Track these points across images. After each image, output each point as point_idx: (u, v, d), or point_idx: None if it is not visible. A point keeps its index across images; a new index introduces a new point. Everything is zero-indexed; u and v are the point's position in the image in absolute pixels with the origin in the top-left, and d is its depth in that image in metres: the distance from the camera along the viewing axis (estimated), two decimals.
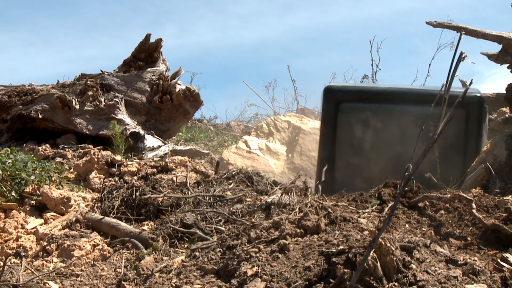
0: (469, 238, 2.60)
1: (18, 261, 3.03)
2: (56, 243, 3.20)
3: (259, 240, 2.52)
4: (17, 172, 3.83)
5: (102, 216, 3.54)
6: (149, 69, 6.13)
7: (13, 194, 3.74)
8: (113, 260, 3.04)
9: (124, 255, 3.05)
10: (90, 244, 3.17)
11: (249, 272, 2.23)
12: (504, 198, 2.91)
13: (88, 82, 5.67)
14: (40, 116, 5.39)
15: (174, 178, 4.08)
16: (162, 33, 33.02)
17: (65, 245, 3.15)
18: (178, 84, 6.08)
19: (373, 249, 1.92)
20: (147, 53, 6.17)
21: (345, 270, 1.96)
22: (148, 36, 6.09)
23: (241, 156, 7.96)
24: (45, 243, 3.24)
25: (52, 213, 3.66)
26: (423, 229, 2.76)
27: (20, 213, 3.62)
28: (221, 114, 31.88)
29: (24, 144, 5.35)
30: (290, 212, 2.97)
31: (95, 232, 3.40)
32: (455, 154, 4.45)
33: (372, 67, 12.21)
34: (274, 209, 3.12)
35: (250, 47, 26.10)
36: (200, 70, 26.37)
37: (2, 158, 3.95)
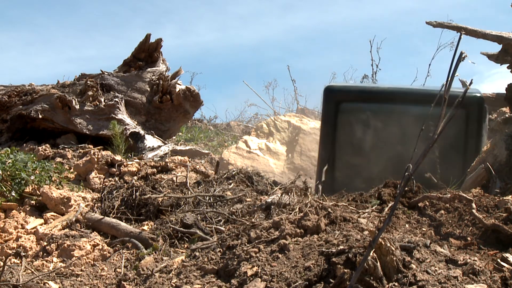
0: (469, 238, 2.60)
1: (18, 261, 3.03)
2: (56, 243, 3.20)
3: (259, 240, 2.52)
4: (17, 172, 3.83)
5: (102, 216, 3.54)
6: (149, 69, 6.13)
7: (13, 194, 3.74)
8: (113, 260, 3.04)
9: (124, 255, 3.05)
10: (90, 244, 3.17)
11: (249, 272, 2.23)
12: (504, 198, 2.91)
13: (88, 82, 5.67)
14: (40, 116, 5.39)
15: (174, 178, 4.08)
16: (162, 33, 33.03)
17: (65, 245, 3.15)
18: (178, 84, 6.09)
19: (373, 249, 1.92)
20: (147, 53, 6.17)
21: (345, 270, 1.96)
22: (148, 36, 6.09)
23: (241, 156, 7.96)
24: (45, 243, 3.24)
25: (52, 213, 3.66)
26: (423, 229, 2.76)
27: (20, 213, 3.62)
28: (221, 114, 31.90)
29: (24, 144, 5.35)
30: (290, 212, 2.97)
31: (95, 232, 3.40)
32: (455, 154, 4.45)
33: (372, 67, 12.22)
34: (274, 209, 3.12)
35: (250, 47, 26.12)
36: (200, 70, 26.39)
37: (2, 158, 3.95)
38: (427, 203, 3.03)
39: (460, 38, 1.80)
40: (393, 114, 4.64)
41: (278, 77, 22.48)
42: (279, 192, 3.43)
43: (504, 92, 4.54)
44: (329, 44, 25.71)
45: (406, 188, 3.08)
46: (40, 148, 5.05)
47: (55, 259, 3.08)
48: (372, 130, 4.65)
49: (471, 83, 1.82)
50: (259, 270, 2.23)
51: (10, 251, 3.14)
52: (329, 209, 2.76)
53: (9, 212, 3.64)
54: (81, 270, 2.90)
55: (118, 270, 2.90)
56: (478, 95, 4.54)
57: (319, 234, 2.52)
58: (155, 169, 4.33)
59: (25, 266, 2.93)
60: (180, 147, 6.00)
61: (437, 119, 1.76)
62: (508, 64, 5.46)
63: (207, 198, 3.56)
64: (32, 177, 3.87)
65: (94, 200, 3.91)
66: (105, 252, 3.13)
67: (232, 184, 3.83)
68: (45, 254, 3.18)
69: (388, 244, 1.97)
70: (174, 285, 2.40)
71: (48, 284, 2.68)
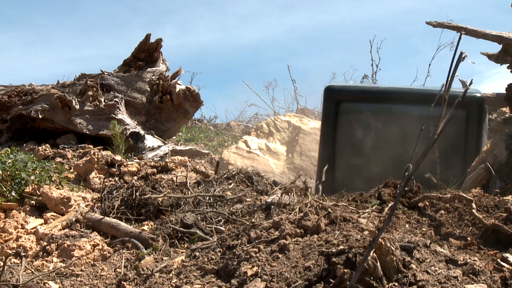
0: (469, 238, 2.60)
1: (18, 261, 3.03)
2: (56, 243, 3.20)
3: (259, 240, 2.52)
4: (17, 172, 3.83)
5: (102, 216, 3.54)
6: (149, 69, 6.13)
7: (13, 194, 3.74)
8: (113, 260, 3.04)
9: (124, 255, 3.05)
10: (90, 244, 3.17)
11: (249, 272, 2.23)
12: (504, 198, 2.91)
13: (88, 82, 5.67)
14: (40, 116, 5.39)
15: (174, 178, 4.08)
16: (162, 33, 33.03)
17: (65, 245, 3.15)
18: (178, 84, 6.09)
19: (373, 249, 1.92)
20: (147, 53, 6.17)
21: (345, 270, 1.96)
22: (148, 36, 6.09)
23: (241, 156, 7.96)
24: (45, 243, 3.24)
25: (52, 213, 3.66)
26: (423, 229, 2.76)
27: (20, 213, 3.62)
28: (221, 114, 31.89)
29: (24, 144, 5.35)
30: (290, 212, 2.97)
31: (95, 232, 3.40)
32: (455, 154, 4.45)
33: (372, 67, 12.22)
34: (274, 209, 3.12)
35: (250, 47, 26.12)
36: (200, 70, 26.36)
37: (2, 158, 3.95)
38: (427, 203, 3.03)
39: (460, 38, 1.80)
40: (393, 114, 4.64)
41: (278, 77, 22.51)
42: (279, 192, 3.43)
43: (504, 92, 4.54)
44: (329, 44, 25.73)
45: (406, 188, 3.08)
46: (40, 148, 5.05)
47: (55, 259, 3.08)
48: (372, 130, 4.65)
49: (471, 83, 1.82)
50: (259, 270, 2.23)
51: (10, 251, 3.14)
52: (329, 209, 2.76)
53: (9, 212, 3.64)
54: (81, 270, 2.90)
55: (118, 270, 2.90)
56: (478, 95, 4.54)
57: (319, 234, 2.52)
58: (155, 169, 4.33)
59: (25, 266, 2.93)
60: (180, 147, 6.00)
61: (437, 119, 1.76)
62: (508, 64, 5.46)
63: (207, 198, 3.56)
64: (32, 177, 3.87)
65: (94, 200, 3.91)
66: (105, 252, 3.13)
67: (232, 184, 3.83)
68: (45, 254, 3.18)
69: (388, 244, 1.97)
70: (174, 285, 2.40)
71: (48, 284, 2.68)
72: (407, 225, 2.81)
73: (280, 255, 2.33)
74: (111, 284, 2.73)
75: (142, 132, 5.64)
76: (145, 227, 3.41)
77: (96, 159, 4.46)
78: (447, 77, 1.79)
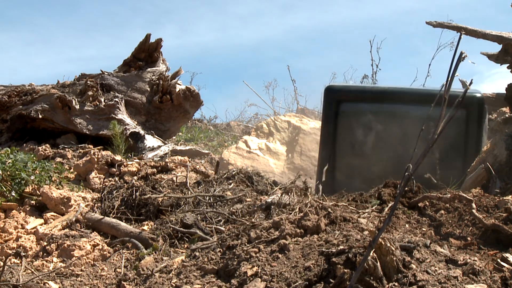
0: (469, 238, 2.60)
1: (18, 261, 3.03)
2: (56, 243, 3.20)
3: (259, 240, 2.52)
4: (17, 172, 3.83)
5: (102, 216, 3.54)
6: (149, 69, 6.13)
7: (13, 194, 3.74)
8: (113, 260, 3.04)
9: (124, 255, 3.05)
10: (90, 244, 3.17)
11: (249, 272, 2.23)
12: (504, 198, 2.91)
13: (88, 82, 5.67)
14: (40, 116, 5.39)
15: (174, 178, 4.08)
16: (162, 33, 33.01)
17: (65, 245, 3.15)
18: (178, 84, 6.09)
19: (373, 249, 1.92)
20: (147, 53, 6.17)
21: (345, 270, 1.96)
22: (148, 36, 6.09)
23: (241, 156, 7.96)
24: (45, 243, 3.24)
25: (52, 213, 3.66)
26: (423, 229, 2.76)
27: (20, 213, 3.62)
28: (221, 114, 31.87)
29: (24, 144, 5.35)
30: (290, 212, 2.97)
31: (95, 232, 3.40)
32: (455, 154, 4.45)
33: (372, 67, 12.22)
34: (274, 209, 3.12)
35: (250, 47, 26.10)
36: (200, 70, 26.34)
37: (2, 158, 3.95)
38: (427, 203, 3.03)
39: (460, 38, 1.80)
40: (393, 114, 4.64)
41: (278, 77, 22.48)
42: (279, 192, 3.43)
43: (504, 92, 4.54)
44: (329, 44, 25.71)
45: (406, 188, 3.08)
46: (40, 148, 5.06)
47: (55, 259, 3.08)
48: (373, 130, 4.66)
49: (471, 83, 1.82)
50: (259, 270, 2.23)
51: (10, 251, 3.14)
52: (329, 209, 2.76)
53: (9, 212, 3.64)
54: (81, 270, 2.90)
55: (118, 270, 2.90)
56: (478, 95, 4.54)
57: (319, 234, 2.52)
58: (155, 169, 4.33)
59: (25, 266, 2.93)
60: (180, 147, 6.00)
61: (437, 119, 1.76)
62: (508, 64, 5.45)
63: (207, 198, 3.56)
64: (32, 177, 3.87)
65: (94, 200, 3.91)
66: (105, 252, 3.13)
67: (232, 184, 3.83)
68: (45, 254, 3.18)
69: (388, 244, 1.97)
70: (174, 285, 2.40)
71: (48, 284, 2.68)
72: (407, 225, 2.81)
73: (280, 255, 2.33)
74: (111, 284, 2.73)
75: (142, 132, 5.64)
76: (145, 227, 3.41)
77: (96, 159, 4.46)
78: (447, 77, 1.79)
